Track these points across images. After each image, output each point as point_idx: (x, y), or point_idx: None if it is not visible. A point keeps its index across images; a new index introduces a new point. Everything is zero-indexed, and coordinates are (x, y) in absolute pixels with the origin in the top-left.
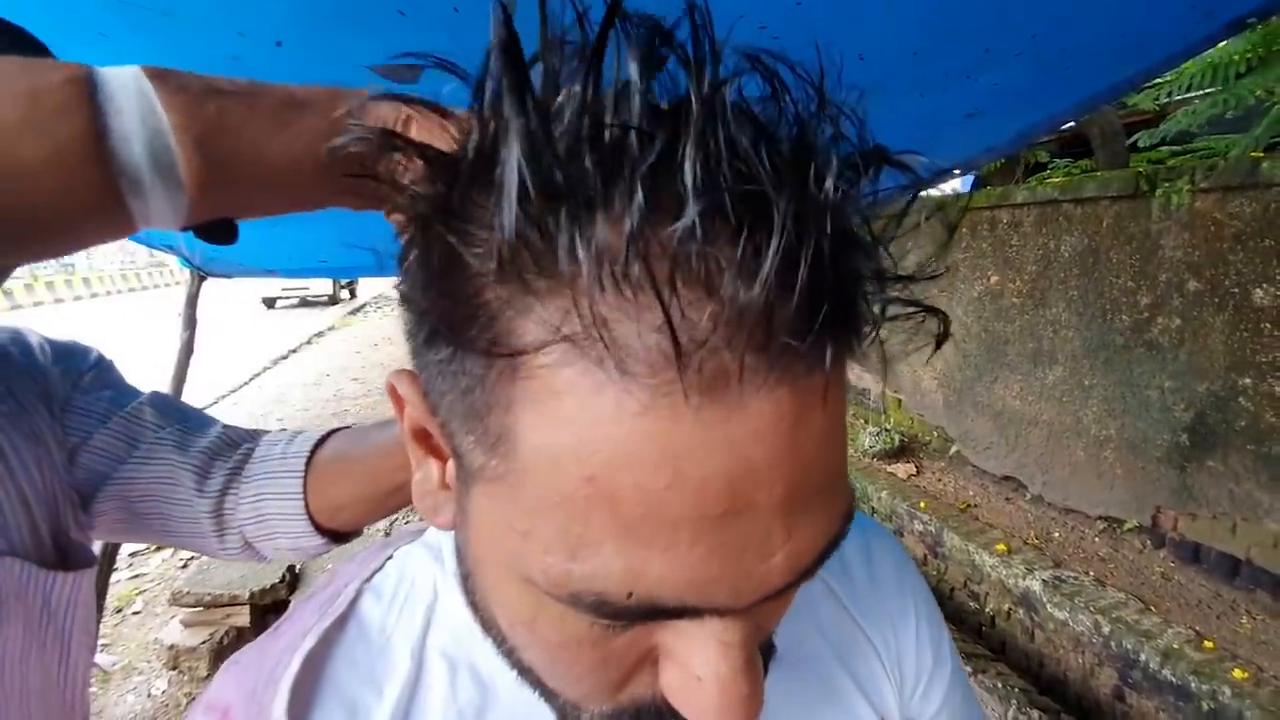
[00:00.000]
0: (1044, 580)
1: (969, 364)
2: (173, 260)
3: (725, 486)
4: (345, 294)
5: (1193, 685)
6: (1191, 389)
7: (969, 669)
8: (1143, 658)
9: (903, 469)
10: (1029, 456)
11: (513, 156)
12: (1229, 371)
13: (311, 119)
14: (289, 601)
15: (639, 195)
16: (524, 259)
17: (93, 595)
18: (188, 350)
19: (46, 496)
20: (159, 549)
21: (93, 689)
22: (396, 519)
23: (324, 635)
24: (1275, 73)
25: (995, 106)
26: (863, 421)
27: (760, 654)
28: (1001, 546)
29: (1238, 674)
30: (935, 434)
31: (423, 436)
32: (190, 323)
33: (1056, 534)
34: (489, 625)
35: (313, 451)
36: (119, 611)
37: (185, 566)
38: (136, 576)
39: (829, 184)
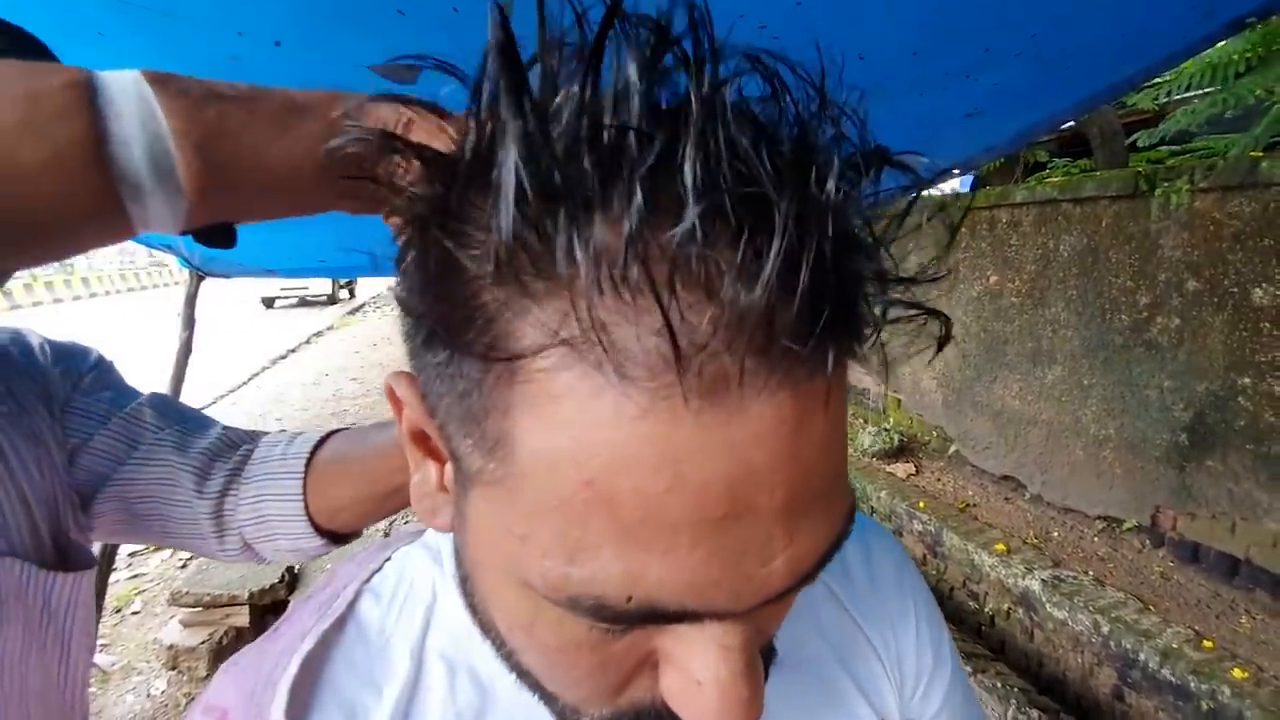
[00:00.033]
0: (1043, 580)
1: (968, 364)
2: (172, 260)
3: (725, 490)
4: (344, 294)
5: (1192, 685)
6: (1191, 389)
7: (968, 668)
8: (1142, 657)
9: (902, 469)
10: (1028, 456)
11: (510, 158)
12: (1228, 371)
13: (311, 123)
14: (288, 601)
15: (638, 196)
16: (521, 261)
17: (92, 596)
18: (186, 350)
19: (46, 497)
20: (158, 549)
21: (92, 689)
22: (396, 519)
23: (322, 637)
24: (1275, 72)
25: (995, 106)
26: (862, 421)
27: (761, 657)
28: (1001, 546)
29: (1237, 673)
30: (934, 434)
31: (421, 438)
32: (189, 322)
33: (1056, 534)
34: (487, 628)
35: (312, 453)
36: (118, 611)
37: (184, 566)
38: (136, 576)
39: (830, 185)
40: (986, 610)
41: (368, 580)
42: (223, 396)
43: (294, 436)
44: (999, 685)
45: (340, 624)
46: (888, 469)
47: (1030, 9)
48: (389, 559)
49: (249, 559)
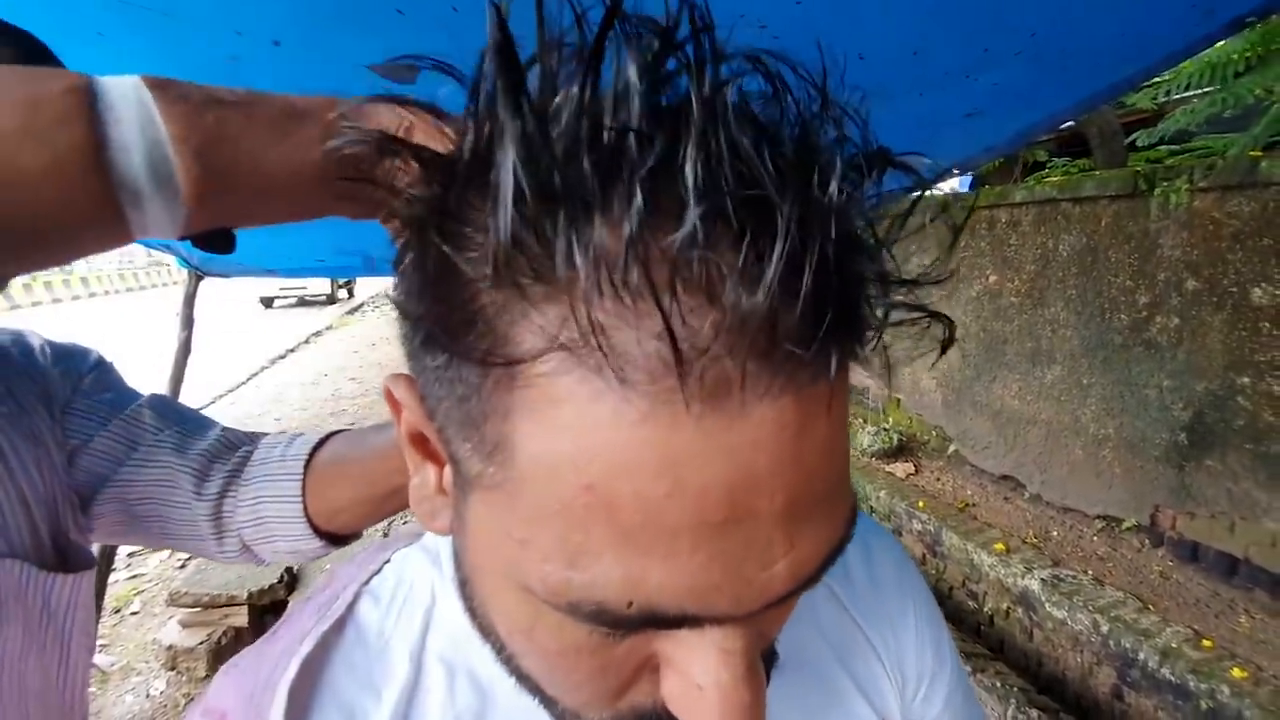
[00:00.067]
0: (1042, 579)
1: (967, 363)
2: (171, 260)
3: (726, 495)
4: (343, 293)
5: (1191, 684)
6: (1190, 388)
7: (968, 668)
8: (1141, 657)
9: (901, 468)
10: (1027, 456)
11: (508, 159)
12: (1227, 371)
13: (311, 129)
14: (287, 602)
15: (638, 198)
16: (520, 264)
17: (92, 597)
18: (185, 350)
19: (46, 498)
20: (157, 549)
21: (91, 689)
22: (394, 520)
23: (321, 639)
24: (1274, 71)
25: (995, 106)
26: (861, 420)
27: (762, 661)
28: (1000, 546)
29: (1236, 673)
30: (934, 433)
31: (420, 441)
32: (188, 322)
33: (1055, 533)
34: (487, 632)
35: (311, 454)
36: (117, 612)
37: (183, 567)
38: (134, 577)
39: (833, 187)
40: (986, 610)
41: (367, 582)
42: (221, 396)
43: (293, 438)
44: (998, 685)
45: (339, 626)
46: (887, 468)
47: (1030, 9)
48: (388, 561)
49: (248, 560)
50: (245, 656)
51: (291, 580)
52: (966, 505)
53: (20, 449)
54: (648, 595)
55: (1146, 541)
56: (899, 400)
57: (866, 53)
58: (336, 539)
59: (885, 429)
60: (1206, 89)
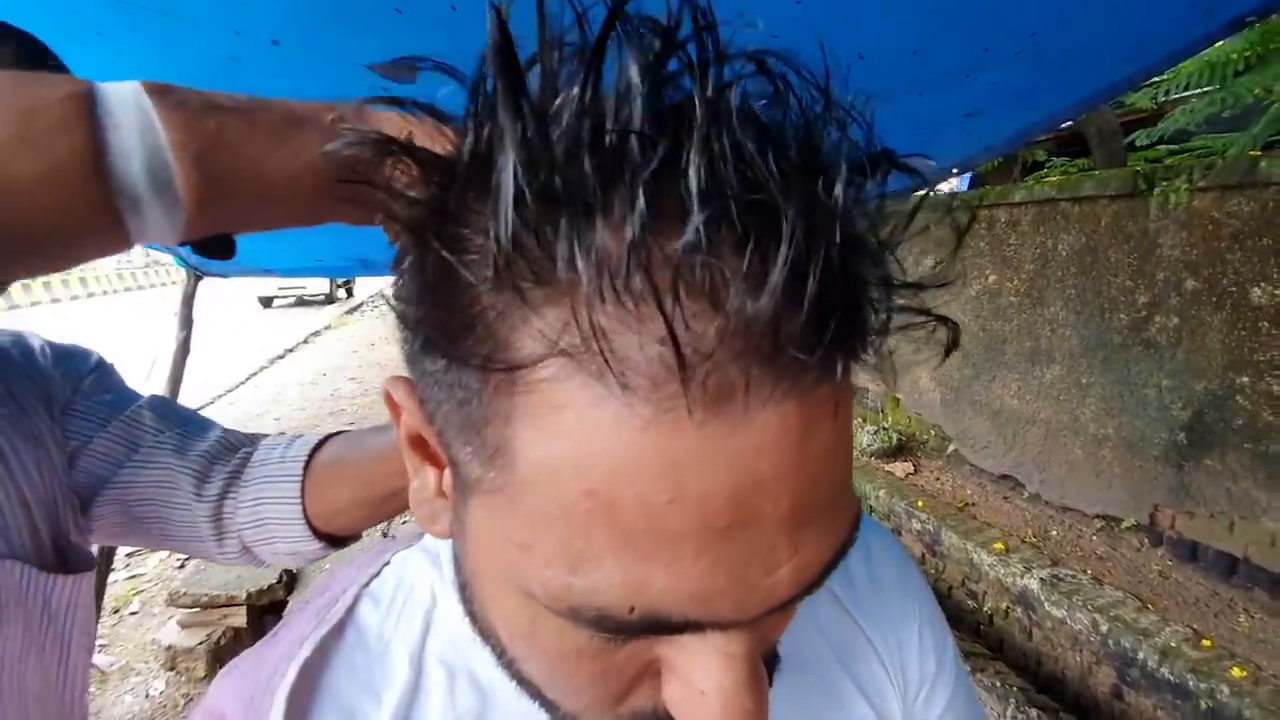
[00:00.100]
0: (1042, 579)
1: (967, 363)
2: (169, 260)
3: (729, 500)
4: (342, 293)
5: (1191, 683)
6: (1189, 388)
7: (967, 667)
8: (1141, 656)
9: (900, 468)
10: (1026, 455)
11: (508, 161)
12: (1226, 370)
13: (311, 135)
14: (286, 602)
15: (640, 202)
16: (521, 267)
17: (92, 598)
18: (184, 350)
19: (46, 499)
20: (156, 550)
21: (90, 690)
22: (394, 521)
23: (321, 643)
24: (1273, 71)
25: (994, 106)
26: (860, 420)
27: (764, 665)
28: (999, 545)
29: (1236, 672)
30: (933, 433)
31: (419, 444)
32: (186, 322)
33: (1054, 532)
34: (487, 635)
35: (310, 456)
36: (116, 612)
37: (182, 567)
38: (134, 577)
39: (838, 190)
40: (985, 609)
41: (366, 585)
42: (220, 396)
43: (292, 439)
44: (998, 684)
45: (339, 629)
46: (886, 468)
47: (1030, 9)
48: (388, 563)
49: (248, 562)
50: (244, 659)
51: (290, 581)
52: (966, 505)
53: (20, 450)
54: (650, 601)
55: (1146, 541)
56: (898, 400)
57: (866, 53)
58: (336, 540)
59: (884, 428)
60: (1206, 88)
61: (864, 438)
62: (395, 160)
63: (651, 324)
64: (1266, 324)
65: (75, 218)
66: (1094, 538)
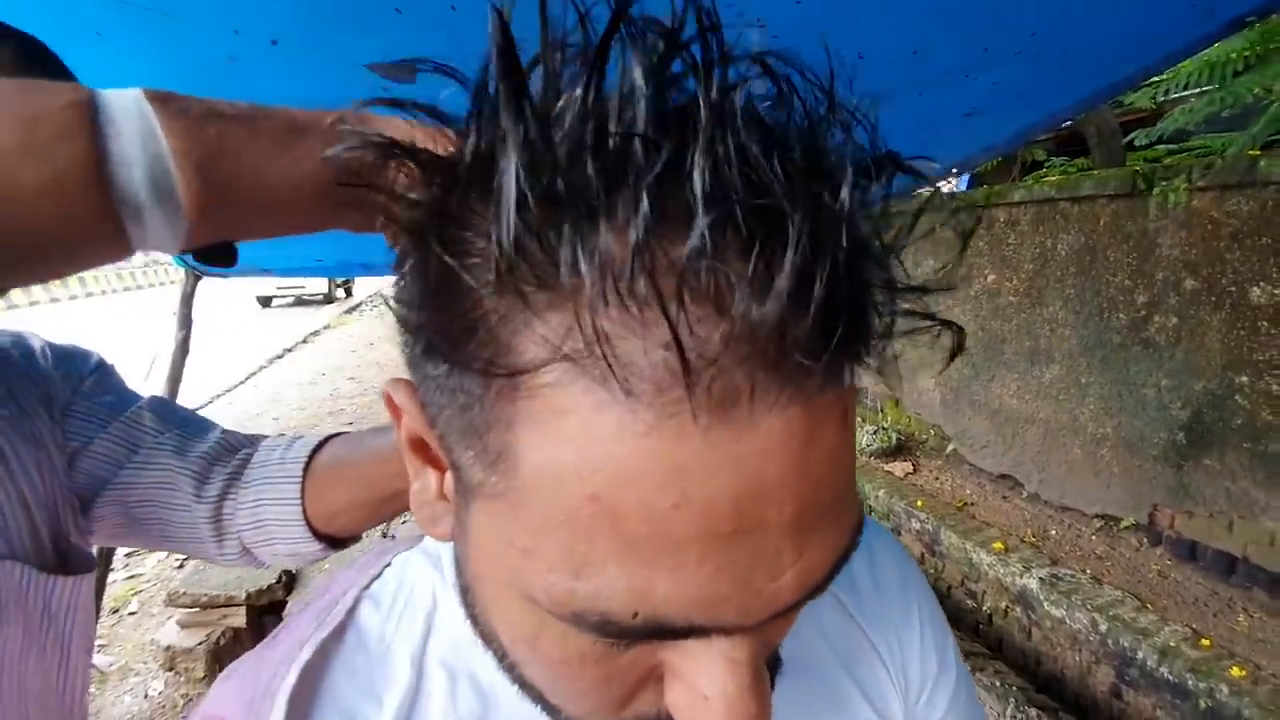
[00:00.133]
0: (1041, 578)
1: (966, 363)
2: (168, 259)
3: (733, 506)
4: (341, 293)
5: (1190, 683)
6: (1188, 387)
7: (966, 667)
8: (1140, 655)
9: (900, 467)
10: (1026, 455)
11: (511, 164)
12: (1226, 370)
13: (313, 142)
14: (285, 602)
15: (644, 205)
16: (523, 271)
17: (92, 599)
18: (183, 349)
19: (47, 500)
20: (156, 550)
21: (90, 690)
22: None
23: (321, 646)
24: (1273, 70)
25: (994, 106)
26: (860, 420)
27: (767, 669)
28: (998, 545)
29: (1235, 672)
30: (932, 432)
31: (420, 446)
32: (185, 322)
33: (1053, 532)
34: (489, 639)
35: (310, 457)
36: (115, 612)
37: (181, 567)
38: (133, 577)
39: (844, 194)
40: (984, 609)
41: (367, 587)
42: (219, 396)
43: (292, 441)
44: (997, 684)
45: (340, 632)
46: (885, 468)
47: (1030, 9)
48: (388, 565)
49: (248, 563)
50: (244, 662)
51: (290, 581)
52: (965, 504)
53: (21, 451)
54: (653, 606)
55: (1145, 540)
56: (897, 399)
57: (866, 52)
58: (335, 542)
59: (884, 428)
60: (1205, 88)
61: (863, 437)
62: (398, 163)
63: (656, 329)
64: (1266, 323)
65: (76, 226)
66: (1093, 537)
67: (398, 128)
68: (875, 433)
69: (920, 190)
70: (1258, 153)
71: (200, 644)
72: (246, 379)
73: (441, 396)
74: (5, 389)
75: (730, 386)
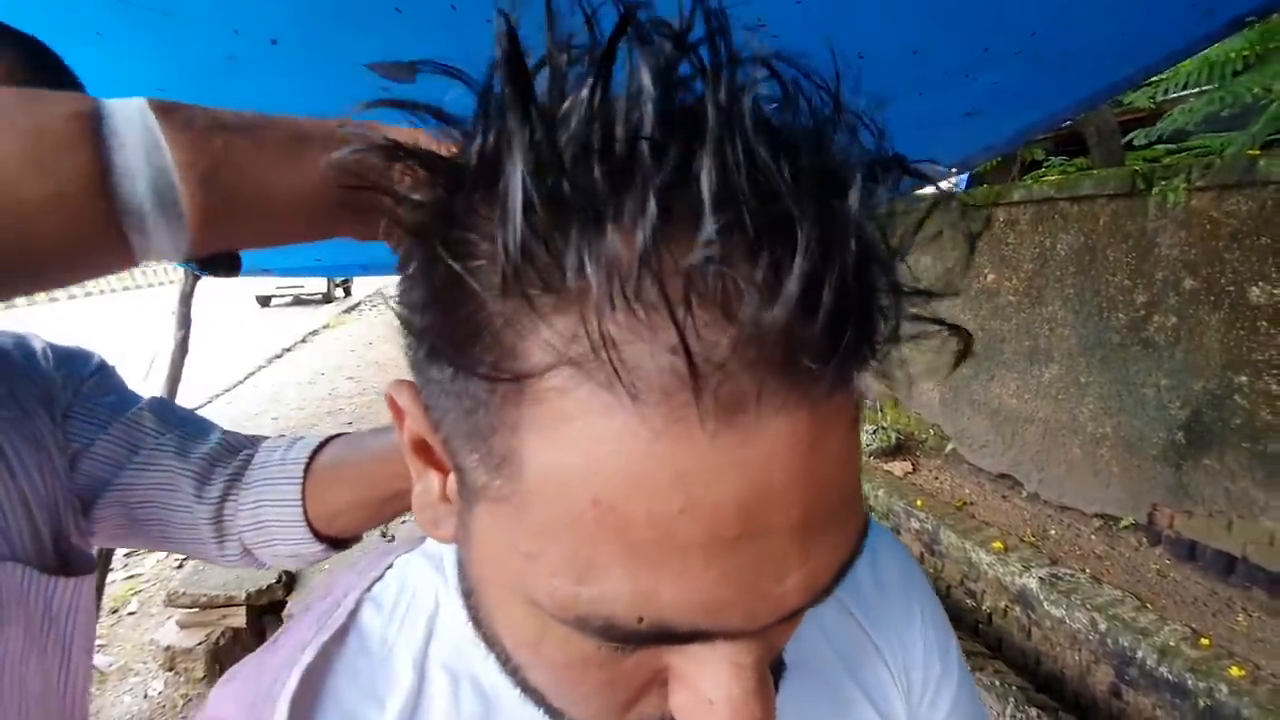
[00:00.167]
0: (1040, 578)
1: (965, 362)
2: None
3: (739, 510)
4: (340, 292)
5: (1189, 682)
6: (1188, 387)
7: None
8: (1139, 655)
9: (899, 467)
10: (1025, 454)
11: (517, 167)
12: (1225, 369)
13: (317, 152)
14: (285, 602)
15: (652, 208)
16: (529, 274)
17: (93, 601)
18: (182, 349)
19: (48, 501)
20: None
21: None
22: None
23: (323, 649)
24: (1272, 70)
25: (994, 105)
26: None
27: (771, 673)
28: (998, 544)
29: (1234, 671)
30: (931, 432)
31: (423, 448)
32: (184, 321)
33: (1053, 531)
34: (492, 642)
35: (311, 458)
36: (114, 612)
37: (180, 567)
38: (132, 577)
39: (853, 199)
40: (984, 608)
41: (368, 589)
42: (218, 395)
43: (293, 442)
44: (997, 683)
45: (341, 635)
46: (885, 467)
47: (1030, 9)
48: (390, 567)
49: (249, 564)
50: (245, 666)
51: (289, 581)
52: (964, 504)
53: (22, 452)
54: (658, 611)
55: (1144, 540)
56: (896, 399)
57: (866, 52)
58: (336, 543)
59: (883, 428)
60: (1204, 87)
61: (863, 437)
62: (403, 166)
63: (663, 333)
64: (1265, 323)
65: (79, 237)
66: (1092, 537)
67: (401, 134)
68: (874, 432)
69: (919, 190)
70: (1257, 152)
71: (200, 644)
72: (245, 379)
73: (446, 400)
74: (7, 390)
75: (737, 391)
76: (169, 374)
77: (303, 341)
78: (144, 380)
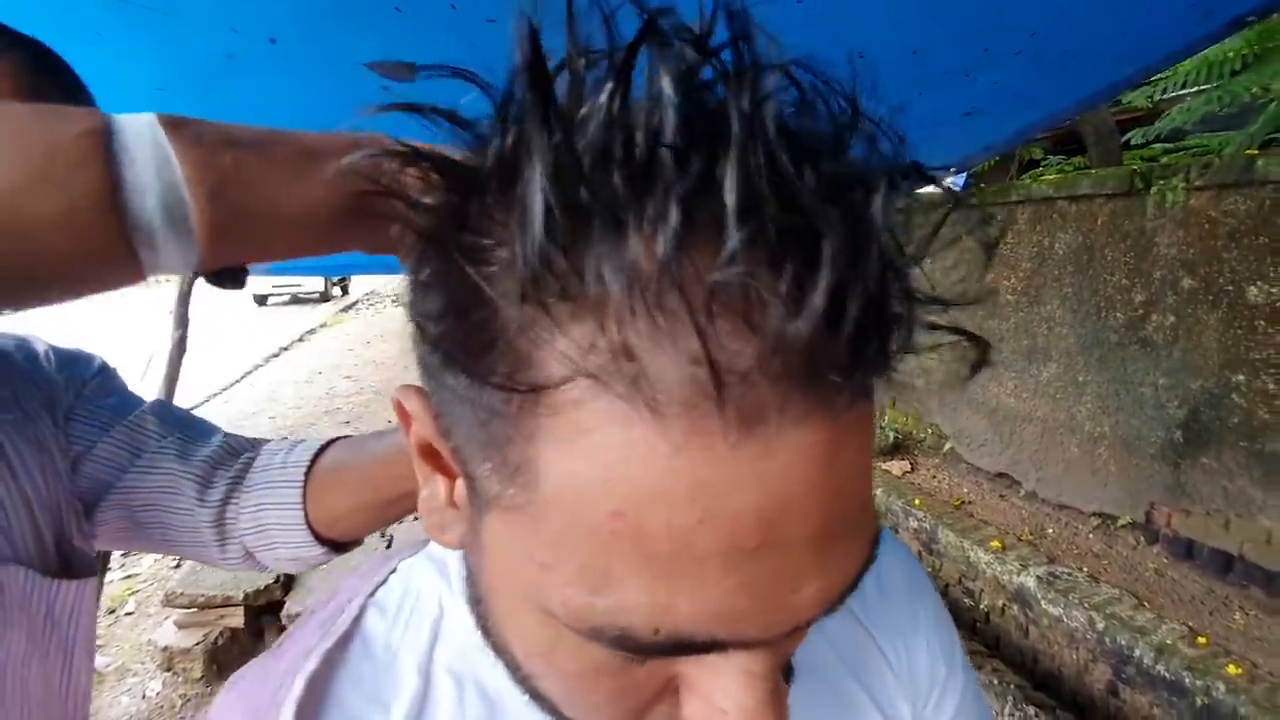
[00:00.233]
0: (1038, 576)
1: (963, 361)
2: None
3: (758, 521)
4: (337, 291)
5: (1187, 681)
6: (1185, 386)
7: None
8: (1137, 654)
9: (897, 466)
10: (1023, 453)
11: (536, 173)
12: (1223, 369)
13: (326, 168)
14: (283, 603)
15: (674, 215)
16: (546, 281)
17: (94, 604)
18: (180, 348)
19: (50, 504)
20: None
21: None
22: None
23: (327, 655)
24: (1270, 69)
25: (994, 105)
26: None
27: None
28: (996, 543)
29: (1231, 670)
30: (930, 431)
31: (430, 453)
32: (182, 321)
33: (1050, 530)
34: (501, 650)
35: (312, 461)
36: (112, 612)
37: (178, 567)
38: (129, 577)
39: (876, 206)
40: (981, 607)
41: (372, 594)
42: (215, 395)
43: (294, 445)
44: (995, 682)
45: (345, 640)
46: (883, 466)
47: (1030, 9)
48: (393, 571)
49: (250, 567)
50: (249, 672)
51: (287, 581)
52: (962, 503)
53: (25, 455)
54: (675, 622)
55: (1142, 539)
56: (895, 399)
57: (866, 52)
58: (338, 546)
59: (881, 427)
60: (1202, 87)
61: None
62: (418, 171)
63: (684, 343)
64: (1263, 322)
65: (89, 252)
66: (1090, 535)
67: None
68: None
69: (921, 190)
70: (1255, 152)
71: (198, 644)
72: (242, 378)
73: (459, 407)
74: (9, 393)
75: (759, 403)
76: (166, 373)
77: (300, 340)
78: (142, 380)
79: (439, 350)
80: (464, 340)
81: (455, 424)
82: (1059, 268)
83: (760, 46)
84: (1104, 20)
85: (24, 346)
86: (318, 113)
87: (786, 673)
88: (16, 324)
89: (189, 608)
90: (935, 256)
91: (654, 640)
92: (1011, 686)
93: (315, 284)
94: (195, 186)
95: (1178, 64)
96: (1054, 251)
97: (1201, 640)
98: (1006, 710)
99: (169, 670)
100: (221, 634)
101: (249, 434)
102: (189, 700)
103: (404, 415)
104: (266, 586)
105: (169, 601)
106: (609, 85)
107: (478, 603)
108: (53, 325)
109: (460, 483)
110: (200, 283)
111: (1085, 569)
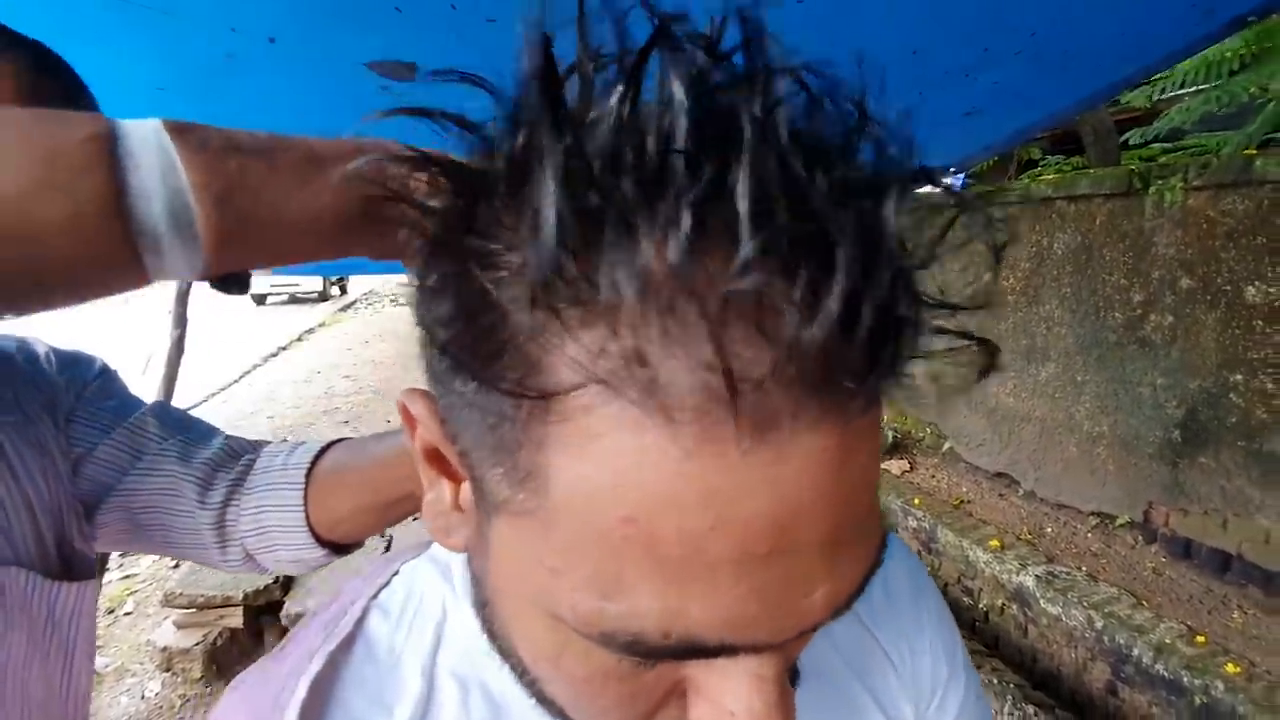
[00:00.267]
0: (1037, 576)
1: (962, 361)
2: None
3: (770, 527)
4: (335, 290)
5: (1185, 680)
6: (1183, 386)
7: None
8: (1135, 653)
9: (896, 465)
10: (1022, 453)
11: (547, 177)
12: (1221, 368)
13: (332, 174)
14: (283, 603)
15: (686, 220)
16: (557, 287)
17: (95, 605)
18: (179, 348)
19: (51, 506)
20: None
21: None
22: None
23: (330, 658)
24: (1269, 69)
25: (994, 105)
26: None
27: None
28: (995, 542)
29: (1230, 668)
30: (929, 430)
31: (435, 457)
32: (181, 320)
33: (1049, 530)
34: (508, 654)
35: (313, 463)
36: (110, 613)
37: (177, 567)
38: (128, 577)
39: (889, 212)
40: (980, 606)
41: (375, 596)
42: (214, 395)
43: (295, 447)
44: (994, 681)
45: (348, 643)
46: (882, 466)
47: (1030, 9)
48: (396, 573)
49: (251, 569)
50: (251, 674)
51: (287, 582)
52: (961, 502)
53: (26, 457)
54: (686, 627)
55: (1140, 538)
56: (899, 401)
57: (866, 52)
58: (339, 548)
59: (880, 426)
60: (1201, 87)
61: None
62: (426, 175)
63: (697, 349)
64: (1260, 322)
65: (94, 257)
66: (1089, 535)
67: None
68: None
69: (923, 191)
70: (1253, 152)
71: (197, 644)
72: (241, 377)
73: (467, 413)
74: (10, 395)
75: (772, 409)
76: (165, 373)
77: (298, 340)
78: (140, 379)
79: (447, 355)
80: (473, 345)
81: (463, 428)
82: (1057, 267)
83: (779, 52)
84: (1104, 20)
85: (25, 348)
86: (318, 112)
87: (792, 675)
88: (16, 325)
89: (188, 608)
90: (944, 260)
91: (664, 645)
92: (1010, 686)
93: (314, 283)
94: (201, 192)
95: (1177, 64)
96: (1053, 251)
97: (1200, 639)
98: (1006, 709)
99: (168, 670)
100: (221, 634)
101: (247, 434)
102: (188, 700)
103: (409, 419)
104: (266, 587)
105: (168, 602)
106: (619, 89)
107: (483, 606)
108: (52, 325)
109: (466, 486)
110: (199, 282)
111: (1084, 568)
